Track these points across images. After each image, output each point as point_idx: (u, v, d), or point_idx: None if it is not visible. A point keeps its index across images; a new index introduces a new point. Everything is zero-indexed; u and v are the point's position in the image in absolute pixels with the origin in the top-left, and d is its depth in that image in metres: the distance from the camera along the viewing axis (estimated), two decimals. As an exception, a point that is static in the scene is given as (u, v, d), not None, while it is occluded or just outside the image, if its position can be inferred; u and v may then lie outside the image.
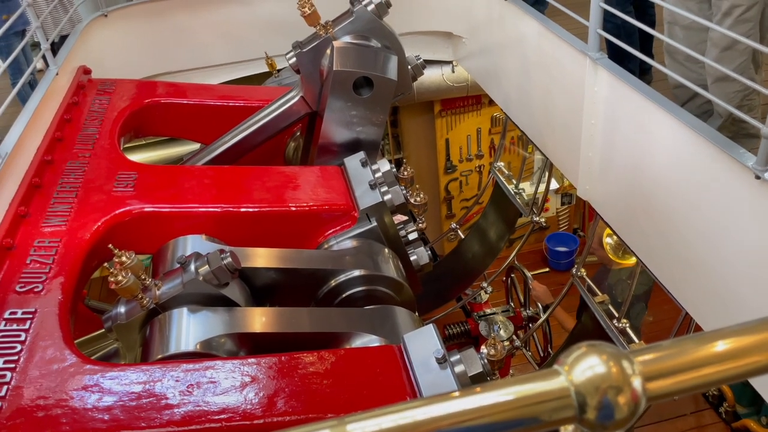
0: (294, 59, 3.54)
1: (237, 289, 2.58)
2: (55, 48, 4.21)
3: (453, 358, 2.21)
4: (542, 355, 5.40)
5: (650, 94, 2.73)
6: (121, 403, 1.94)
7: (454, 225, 6.44)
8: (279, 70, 4.93)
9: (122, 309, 2.46)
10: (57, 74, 3.84)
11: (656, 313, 5.04)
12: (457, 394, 0.52)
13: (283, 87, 4.57)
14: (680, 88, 2.86)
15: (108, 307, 5.39)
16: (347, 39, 3.51)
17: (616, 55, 3.27)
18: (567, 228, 8.97)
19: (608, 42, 3.16)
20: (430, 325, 2.34)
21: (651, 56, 4.00)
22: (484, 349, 2.28)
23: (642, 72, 3.85)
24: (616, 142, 3.16)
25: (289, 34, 5.44)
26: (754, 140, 2.16)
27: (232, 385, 2.04)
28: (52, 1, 4.75)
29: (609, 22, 3.41)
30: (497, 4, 4.37)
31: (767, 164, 2.11)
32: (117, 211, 2.87)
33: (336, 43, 3.43)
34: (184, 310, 2.41)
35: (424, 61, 6.34)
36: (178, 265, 2.54)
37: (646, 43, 3.88)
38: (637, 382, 0.52)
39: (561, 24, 3.66)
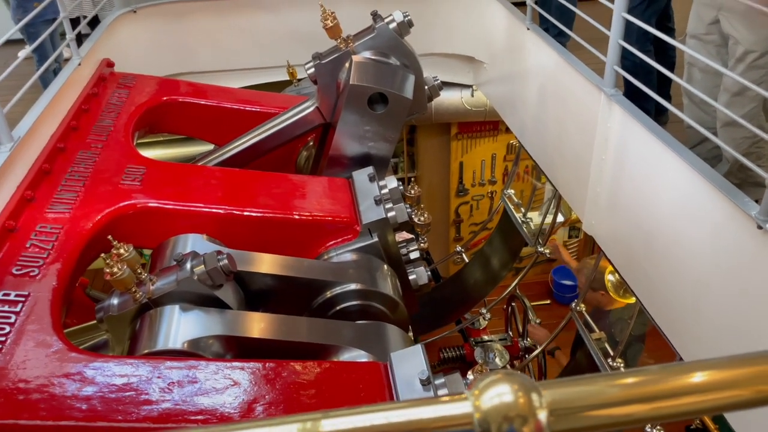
0: (312, 70, 3.58)
1: (231, 291, 2.59)
2: (82, 39, 4.30)
3: (437, 381, 2.19)
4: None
5: (660, 134, 2.72)
6: (100, 394, 1.94)
7: (459, 248, 6.42)
8: (299, 80, 4.98)
9: (115, 301, 2.47)
10: (79, 64, 3.91)
11: (657, 356, 4.97)
12: (364, 408, 0.52)
13: (301, 96, 4.61)
14: (692, 129, 2.86)
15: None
16: (367, 54, 3.55)
17: (632, 93, 3.26)
18: (576, 259, 8.90)
19: (626, 79, 3.16)
20: (419, 345, 2.32)
21: (668, 96, 3.99)
22: (470, 375, 2.26)
23: (658, 112, 3.84)
24: (625, 180, 3.14)
25: (312, 44, 5.51)
26: (761, 189, 2.14)
27: (213, 386, 2.04)
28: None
29: (627, 60, 3.41)
30: (519, 32, 4.40)
31: (770, 215, 2.09)
32: (121, 204, 2.90)
33: (355, 58, 3.47)
34: (176, 307, 2.42)
35: (444, 83, 6.40)
36: (175, 262, 2.56)
37: (664, 82, 3.87)
38: (542, 415, 0.52)
39: (582, 57, 3.66)
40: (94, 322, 3.24)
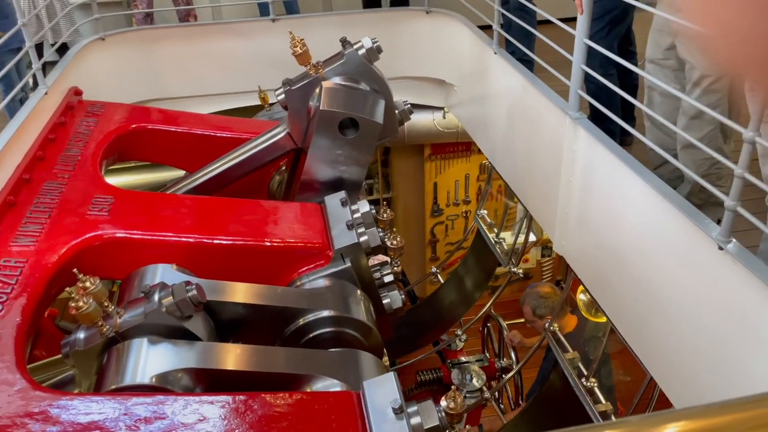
0: (283, 96, 3.60)
1: (200, 322, 2.55)
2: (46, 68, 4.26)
3: (410, 410, 2.18)
4: (513, 407, 5.34)
5: (624, 156, 2.78)
6: (64, 434, 1.89)
7: (434, 269, 6.43)
8: (271, 104, 4.99)
9: (81, 335, 2.42)
10: (46, 93, 3.87)
11: (633, 371, 5.02)
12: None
13: (273, 121, 4.62)
14: (654, 151, 2.92)
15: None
16: (337, 80, 3.57)
17: (598, 115, 3.33)
18: (550, 279, 8.97)
19: (590, 102, 3.23)
20: (391, 373, 2.32)
21: (633, 118, 4.08)
22: (443, 402, 2.25)
23: (624, 132, 3.92)
24: (592, 201, 3.19)
25: (282, 69, 5.54)
26: (722, 209, 2.20)
27: (181, 422, 2.00)
28: (49, 20, 4.82)
29: (591, 83, 3.49)
30: (486, 56, 4.47)
31: (730, 236, 2.14)
32: (88, 235, 2.85)
33: (325, 84, 3.49)
34: (144, 340, 2.38)
35: (417, 105, 6.45)
36: (143, 294, 2.52)
37: (629, 104, 3.96)
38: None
39: (549, 80, 3.73)
40: (59, 356, 3.18)
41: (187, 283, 2.46)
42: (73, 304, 2.23)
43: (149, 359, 2.31)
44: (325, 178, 3.61)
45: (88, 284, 2.30)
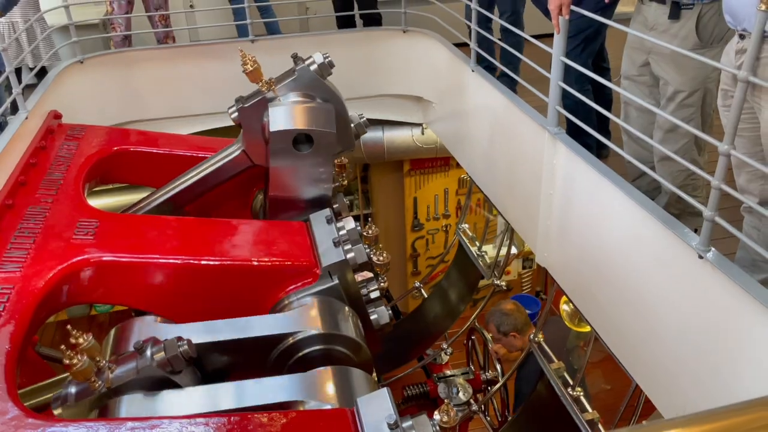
0: (236, 114, 3.55)
1: (189, 373, 2.54)
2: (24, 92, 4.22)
3: (405, 424, 2.20)
4: (500, 419, 5.38)
5: (602, 169, 2.86)
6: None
7: (417, 284, 6.47)
8: None
9: (72, 390, 2.39)
10: (27, 118, 3.84)
11: (613, 380, 5.09)
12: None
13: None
14: (632, 163, 3.02)
15: (60, 355, 5.16)
16: (291, 96, 3.55)
17: (575, 130, 3.43)
18: (530, 290, 9.08)
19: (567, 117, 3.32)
20: (384, 389, 2.34)
21: (608, 132, 4.20)
22: (437, 416, 2.28)
23: (600, 146, 4.03)
24: (572, 213, 3.27)
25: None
26: (699, 218, 2.28)
27: (175, 445, 2.00)
28: (29, 44, 4.79)
29: (568, 99, 3.58)
30: (464, 74, 4.56)
31: (709, 245, 2.22)
32: (74, 260, 2.84)
33: (271, 105, 3.47)
34: (136, 397, 2.35)
35: (395, 122, 6.52)
36: (134, 350, 2.49)
37: (604, 118, 4.08)
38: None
39: (529, 95, 3.82)
40: (47, 381, 3.15)
41: (179, 338, 2.46)
42: (67, 362, 2.20)
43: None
44: (291, 195, 3.58)
45: (81, 341, 2.27)
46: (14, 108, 4.06)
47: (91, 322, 8.83)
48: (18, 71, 4.49)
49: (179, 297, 3.03)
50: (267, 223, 3.51)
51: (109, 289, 2.94)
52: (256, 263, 3.09)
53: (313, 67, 3.49)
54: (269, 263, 3.10)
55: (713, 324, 2.26)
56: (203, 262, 3.03)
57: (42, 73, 4.84)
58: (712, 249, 2.23)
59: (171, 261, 2.99)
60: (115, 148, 4.00)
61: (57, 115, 4.26)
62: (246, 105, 3.51)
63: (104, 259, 2.90)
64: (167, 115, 5.42)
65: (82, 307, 8.76)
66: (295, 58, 3.57)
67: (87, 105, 4.81)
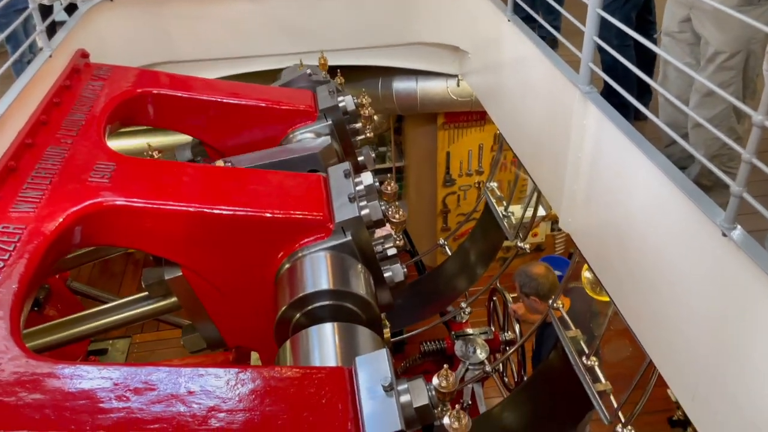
0: None
1: None
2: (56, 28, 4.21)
3: (400, 387, 2.17)
4: (516, 379, 5.36)
5: (632, 134, 2.69)
6: (53, 402, 1.91)
7: (442, 241, 6.40)
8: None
9: None
10: (51, 56, 3.83)
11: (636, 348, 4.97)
12: None
13: (284, 88, 4.54)
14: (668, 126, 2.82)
15: (92, 291, 5.31)
16: None
17: (612, 88, 3.22)
18: (563, 252, 8.89)
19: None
20: (383, 350, 2.31)
21: (649, 91, 3.95)
22: (435, 380, 2.24)
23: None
24: (600, 179, 3.12)
25: (295, 34, 5.46)
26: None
27: (170, 393, 2.01)
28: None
29: (608, 54, 3.36)
30: (500, 23, 4.34)
31: (735, 222, 2.07)
32: (88, 202, 2.84)
33: None
34: None
35: (430, 72, 6.34)
36: None
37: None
38: None
39: (569, 51, 3.59)
40: (54, 322, 3.24)
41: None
42: None
43: None
44: None
45: None
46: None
47: (127, 260, 9.10)
48: (48, 9, 4.47)
49: (192, 244, 3.03)
50: (284, 175, 3.46)
51: (121, 233, 2.96)
52: (269, 215, 3.06)
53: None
54: (282, 216, 3.06)
55: (732, 307, 2.13)
56: (216, 211, 3.00)
57: (73, 9, 4.81)
58: (738, 227, 2.07)
59: (184, 208, 2.97)
60: (139, 90, 3.96)
61: (84, 54, 4.23)
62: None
63: (117, 203, 2.90)
64: (197, 58, 5.37)
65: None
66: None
67: (115, 44, 4.79)
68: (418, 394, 2.16)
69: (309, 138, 4.09)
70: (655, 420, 6.15)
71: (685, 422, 6.10)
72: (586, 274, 4.39)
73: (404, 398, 2.14)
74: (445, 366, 2.33)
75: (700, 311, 2.31)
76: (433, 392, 2.19)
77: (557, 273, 8.20)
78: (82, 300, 5.51)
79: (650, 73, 3.90)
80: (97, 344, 6.94)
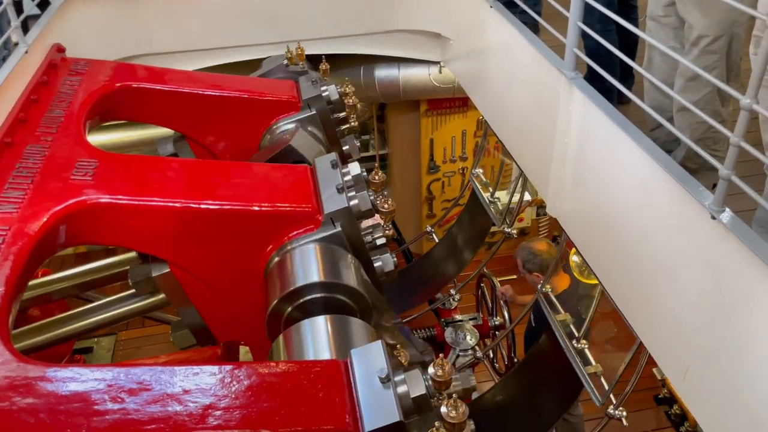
0: None
1: None
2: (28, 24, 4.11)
3: (397, 378, 2.18)
4: (507, 363, 5.40)
5: (618, 119, 2.70)
6: (48, 405, 1.89)
7: (429, 228, 6.41)
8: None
9: None
10: (26, 52, 3.74)
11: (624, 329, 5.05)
12: None
13: (267, 79, 4.49)
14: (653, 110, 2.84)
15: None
16: None
17: (596, 72, 3.22)
18: (547, 235, 8.96)
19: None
20: (379, 341, 2.31)
21: (632, 75, 3.97)
22: (431, 369, 2.25)
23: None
24: (586, 163, 3.13)
25: (274, 24, 5.39)
26: (717, 174, 2.14)
27: (166, 393, 2.00)
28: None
29: (591, 39, 3.36)
30: (481, 9, 4.32)
31: (724, 205, 2.09)
32: (71, 201, 2.80)
33: None
34: None
35: (412, 60, 6.29)
36: None
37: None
38: None
39: (550, 35, 3.59)
40: (42, 322, 3.19)
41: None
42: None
43: None
44: None
45: None
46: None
47: (109, 255, 8.96)
48: (19, 3, 4.36)
49: (179, 240, 3.00)
50: (270, 167, 3.43)
51: (107, 231, 2.92)
52: (257, 209, 3.03)
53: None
54: (270, 209, 3.04)
55: (722, 289, 2.16)
56: (203, 206, 2.97)
57: (45, 4, 4.69)
58: (727, 209, 2.10)
59: (170, 204, 2.94)
60: (118, 84, 3.89)
61: (60, 49, 4.14)
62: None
63: (102, 200, 2.86)
64: (175, 49, 5.28)
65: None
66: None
67: (91, 38, 4.69)
68: (415, 384, 2.17)
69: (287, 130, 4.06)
70: (642, 398, 6.27)
71: (671, 399, 6.23)
72: (573, 258, 4.42)
73: (401, 389, 2.15)
74: (441, 355, 2.34)
75: (690, 292, 2.34)
76: (430, 382, 2.20)
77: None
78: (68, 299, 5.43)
79: (632, 57, 3.93)
80: (83, 342, 6.87)
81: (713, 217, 2.09)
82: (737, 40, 2.83)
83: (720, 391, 2.22)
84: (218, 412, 1.99)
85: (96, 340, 7.07)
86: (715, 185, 2.25)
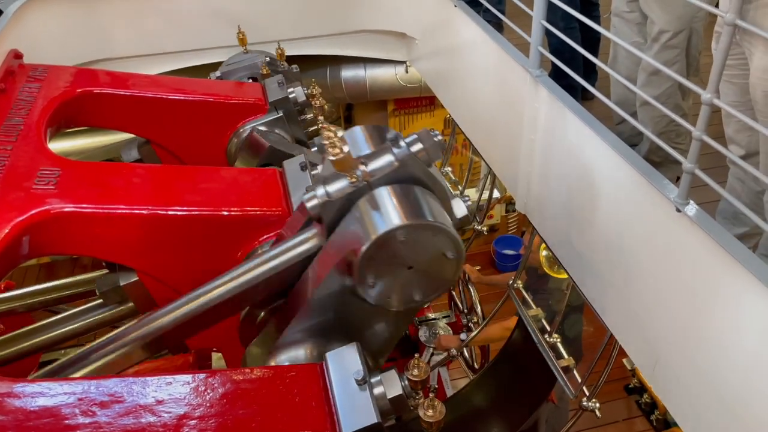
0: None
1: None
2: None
3: (373, 380, 2.18)
4: (481, 360, 5.44)
5: (583, 115, 2.74)
6: (16, 423, 1.84)
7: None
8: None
9: (327, 189, 2.21)
10: (-18, 59, 3.63)
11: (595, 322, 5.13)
12: None
13: (232, 81, 4.43)
14: (617, 106, 2.89)
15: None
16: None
17: (560, 70, 3.27)
18: (515, 231, 9.07)
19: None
20: (354, 344, 2.30)
21: (595, 71, 4.04)
22: (407, 370, 2.25)
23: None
24: (553, 160, 3.17)
25: (236, 24, 5.33)
26: (680, 167, 2.19)
27: (138, 404, 1.96)
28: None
29: (554, 37, 3.41)
30: (446, 9, 4.35)
31: (688, 198, 2.14)
32: (34, 211, 2.72)
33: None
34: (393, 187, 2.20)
35: (378, 60, 6.26)
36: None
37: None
38: None
39: (514, 34, 3.61)
40: (11, 334, 3.10)
41: (430, 130, 2.23)
42: (331, 150, 2.02)
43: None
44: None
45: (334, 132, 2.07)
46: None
47: (74, 264, 8.79)
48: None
49: (147, 248, 2.95)
50: (238, 171, 3.40)
51: (72, 241, 2.85)
52: (226, 213, 2.99)
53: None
54: (240, 213, 3.01)
55: (688, 280, 2.21)
56: (171, 213, 2.92)
57: (-1, 9, 4.57)
58: (691, 202, 2.15)
59: (137, 212, 2.88)
60: (79, 90, 3.80)
61: (17, 55, 4.03)
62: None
63: (65, 210, 2.79)
64: (137, 53, 5.18)
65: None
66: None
67: (50, 43, 4.57)
68: (391, 385, 2.17)
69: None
70: (613, 389, 6.40)
71: (641, 389, 6.37)
72: (543, 253, 4.48)
73: (378, 390, 2.15)
74: (416, 355, 2.35)
75: (657, 284, 2.39)
76: (406, 382, 2.20)
77: (511, 252, 8.41)
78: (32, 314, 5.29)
79: (595, 54, 4.00)
80: (49, 355, 6.69)
81: (678, 210, 2.14)
82: (696, 35, 2.90)
83: (689, 380, 2.28)
84: (193, 422, 1.95)
85: (63, 352, 6.88)
86: (679, 178, 2.30)
